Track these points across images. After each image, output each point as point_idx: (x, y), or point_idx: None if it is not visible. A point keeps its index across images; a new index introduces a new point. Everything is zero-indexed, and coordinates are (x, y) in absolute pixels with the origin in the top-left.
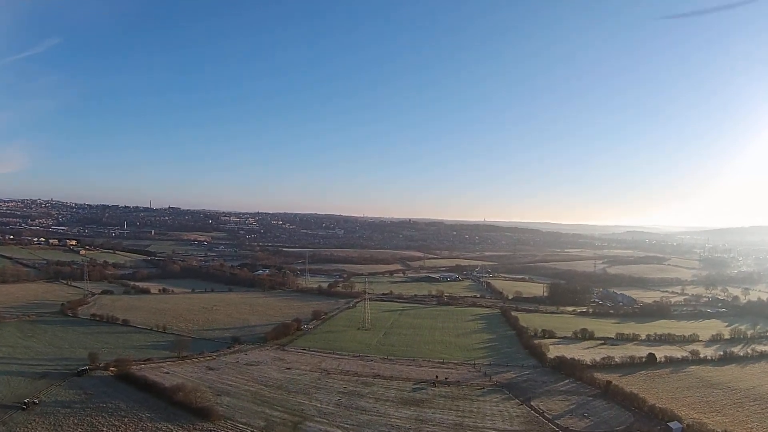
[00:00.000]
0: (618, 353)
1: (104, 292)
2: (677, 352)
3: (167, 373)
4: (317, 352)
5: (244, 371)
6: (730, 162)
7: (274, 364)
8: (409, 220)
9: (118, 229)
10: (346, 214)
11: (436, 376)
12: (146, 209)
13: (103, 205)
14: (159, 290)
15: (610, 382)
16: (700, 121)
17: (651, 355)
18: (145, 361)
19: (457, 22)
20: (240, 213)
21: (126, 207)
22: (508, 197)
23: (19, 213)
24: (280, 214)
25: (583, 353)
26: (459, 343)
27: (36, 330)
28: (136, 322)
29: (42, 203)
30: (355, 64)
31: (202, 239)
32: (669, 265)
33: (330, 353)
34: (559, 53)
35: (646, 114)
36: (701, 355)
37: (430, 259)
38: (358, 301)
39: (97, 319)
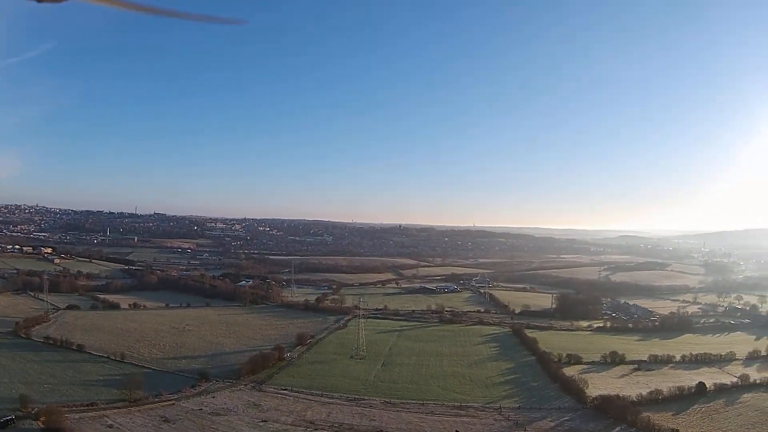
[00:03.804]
0: (660, 382)
1: (69, 307)
2: (722, 377)
3: (110, 426)
4: (302, 393)
5: (208, 426)
6: (722, 165)
7: (246, 413)
8: (400, 226)
9: (101, 235)
10: (335, 220)
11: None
12: (131, 215)
13: (87, 211)
14: (130, 305)
15: (677, 431)
16: (692, 126)
17: (701, 385)
18: (87, 406)
19: (450, 29)
20: (227, 219)
21: (111, 213)
22: (498, 202)
23: (1, 219)
24: (267, 220)
25: (622, 384)
26: (474, 376)
27: None
28: (93, 348)
29: (26, 209)
30: (344, 72)
31: (187, 246)
32: (672, 271)
33: (318, 395)
34: (549, 58)
35: (638, 119)
36: (751, 380)
37: (423, 267)
38: (350, 319)
39: (51, 342)
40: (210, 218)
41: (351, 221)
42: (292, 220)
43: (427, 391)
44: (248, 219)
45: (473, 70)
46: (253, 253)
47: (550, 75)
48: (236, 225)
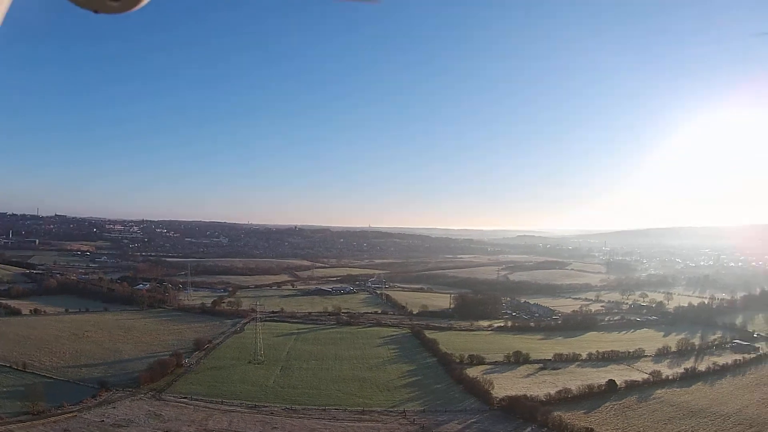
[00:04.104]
0: (568, 381)
1: None
2: (632, 374)
3: None
4: (202, 401)
5: None
6: (622, 168)
7: (148, 424)
8: (295, 227)
9: (4, 238)
10: (231, 222)
11: None
12: (33, 217)
13: None
14: (30, 311)
15: (592, 429)
16: (591, 129)
17: (611, 382)
18: None
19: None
20: (125, 221)
21: (13, 215)
22: (394, 202)
23: None
24: (164, 221)
25: (528, 384)
26: (375, 380)
27: None
28: None
29: None
30: (232, 71)
31: (86, 249)
32: (572, 270)
33: (218, 403)
34: (445, 60)
35: (538, 121)
36: (663, 376)
37: (318, 268)
38: (246, 322)
39: None
40: (109, 220)
41: (247, 222)
42: (189, 222)
43: (328, 396)
44: (146, 221)
45: (365, 70)
46: (150, 256)
47: (449, 75)
48: (134, 227)
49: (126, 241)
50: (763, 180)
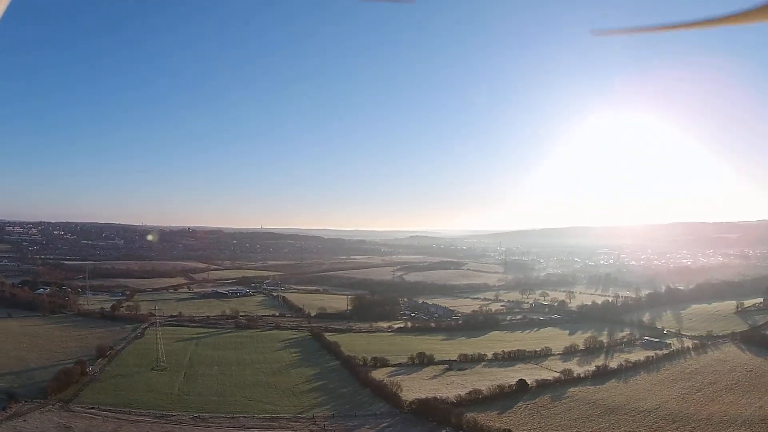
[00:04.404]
0: (476, 381)
1: None
2: (542, 372)
3: None
4: (110, 411)
5: None
6: (515, 169)
7: None
8: (189, 228)
9: None
10: (126, 223)
11: None
12: None
13: None
14: None
15: (509, 430)
16: (480, 131)
17: (522, 382)
18: None
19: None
20: (24, 223)
21: None
22: (286, 203)
23: None
24: (62, 223)
25: (436, 385)
26: (280, 385)
27: None
28: None
29: None
30: (133, 80)
31: None
32: (469, 270)
33: (125, 413)
34: (332, 62)
35: (422, 121)
36: (574, 374)
37: (213, 270)
38: (146, 327)
39: None
40: (8, 222)
41: (141, 224)
42: (85, 224)
43: (234, 404)
44: (44, 222)
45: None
46: (50, 259)
47: (338, 76)
48: (33, 229)
49: (26, 243)
50: (655, 181)
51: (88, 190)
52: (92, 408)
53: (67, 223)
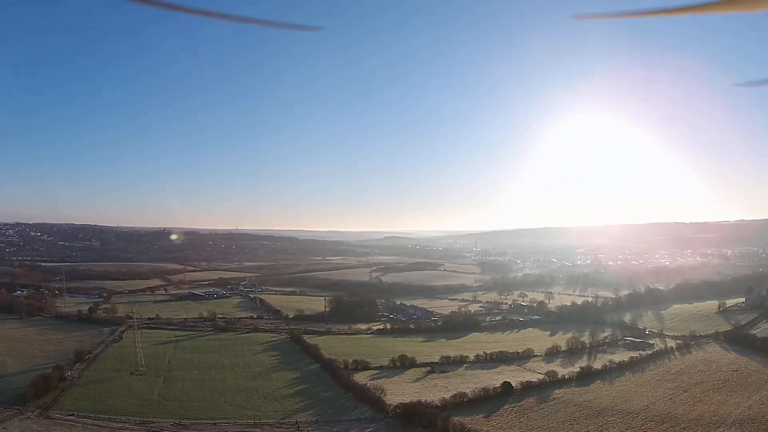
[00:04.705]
0: (460, 384)
1: None
2: (525, 374)
3: None
4: (89, 418)
5: None
6: (489, 170)
7: None
8: (164, 229)
9: None
10: (102, 224)
11: None
12: None
13: None
14: None
15: None
16: (451, 132)
17: (506, 384)
18: None
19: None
20: (1, 224)
21: None
22: (260, 204)
23: None
24: (38, 224)
25: (419, 389)
26: (261, 389)
27: None
28: None
29: None
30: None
31: None
32: (446, 271)
33: (105, 420)
34: (311, 59)
35: (396, 121)
36: (559, 375)
37: (189, 272)
38: (124, 330)
39: None
40: None
41: (117, 225)
42: (62, 225)
43: (216, 409)
44: (21, 223)
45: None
46: (27, 260)
47: (309, 77)
48: (9, 230)
49: (2, 244)
50: (630, 182)
51: (64, 191)
52: (71, 415)
53: (44, 224)
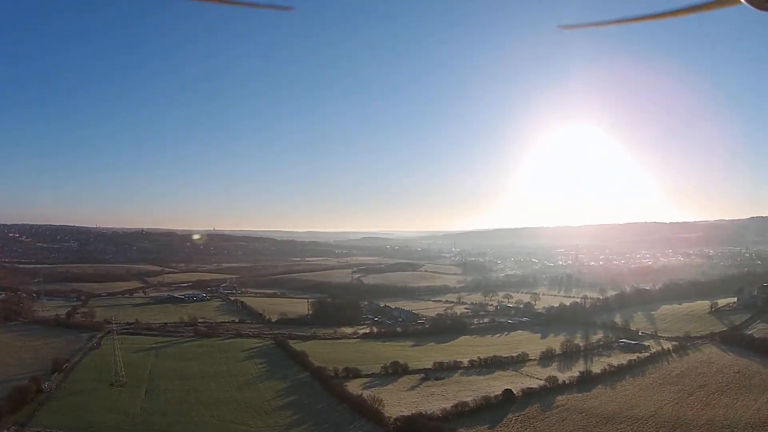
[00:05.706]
0: (458, 392)
1: None
2: (524, 380)
3: None
4: None
5: None
6: (465, 170)
7: None
8: (142, 230)
9: None
10: (80, 225)
11: None
12: None
13: None
14: None
15: None
16: (429, 133)
17: (507, 391)
18: None
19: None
20: None
21: None
22: (236, 205)
23: None
24: (17, 225)
25: (416, 398)
26: (249, 401)
27: None
28: None
29: None
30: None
31: None
32: (427, 271)
33: None
34: (297, 62)
35: (377, 122)
36: (560, 381)
37: (168, 273)
38: (103, 336)
39: None
40: None
41: (95, 226)
42: (39, 226)
43: (202, 425)
44: None
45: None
46: (5, 262)
47: (287, 77)
48: None
49: None
50: (607, 182)
51: (41, 192)
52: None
53: (22, 225)
